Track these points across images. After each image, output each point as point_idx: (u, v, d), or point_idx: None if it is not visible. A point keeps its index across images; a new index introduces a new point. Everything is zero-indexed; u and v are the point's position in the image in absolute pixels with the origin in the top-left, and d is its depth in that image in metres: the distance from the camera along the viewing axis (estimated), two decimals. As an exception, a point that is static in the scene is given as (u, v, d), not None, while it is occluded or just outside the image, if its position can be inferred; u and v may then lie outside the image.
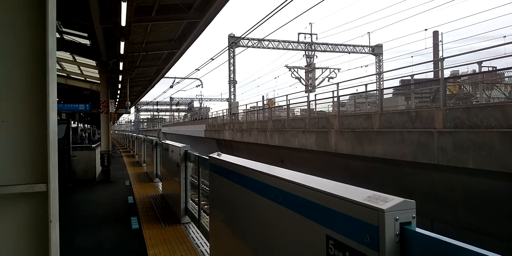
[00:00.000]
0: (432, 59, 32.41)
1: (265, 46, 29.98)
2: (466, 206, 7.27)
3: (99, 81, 11.64)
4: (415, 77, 12.35)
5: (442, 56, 28.56)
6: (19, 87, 1.49)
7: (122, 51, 8.57)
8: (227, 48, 27.91)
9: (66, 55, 11.21)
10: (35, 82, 1.50)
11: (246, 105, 26.54)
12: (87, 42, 10.00)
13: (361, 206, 1.26)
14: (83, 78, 15.33)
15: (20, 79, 1.49)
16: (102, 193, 8.12)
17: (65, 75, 14.56)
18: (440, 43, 34.58)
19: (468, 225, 7.21)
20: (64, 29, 9.07)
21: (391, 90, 17.40)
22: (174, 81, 32.67)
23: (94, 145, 11.16)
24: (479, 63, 9.02)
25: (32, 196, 1.48)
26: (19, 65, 1.50)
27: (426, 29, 28.53)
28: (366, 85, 12.62)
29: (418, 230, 1.17)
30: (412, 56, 30.74)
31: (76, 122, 21.14)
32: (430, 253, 1.10)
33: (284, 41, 30.34)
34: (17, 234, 1.50)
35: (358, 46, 32.68)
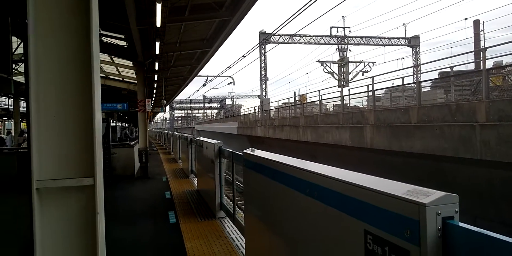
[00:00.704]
0: (473, 49, 30.79)
1: (296, 41, 29.72)
2: (510, 202, 6.88)
3: (136, 81, 12.06)
4: (455, 69, 11.79)
5: (484, 46, 27.03)
6: (67, 87, 1.59)
7: (157, 51, 8.81)
8: (258, 45, 27.96)
9: (105, 57, 11.70)
10: (82, 82, 1.59)
11: (277, 101, 26.54)
12: (124, 43, 10.38)
13: (401, 201, 1.24)
14: (120, 79, 15.94)
15: (69, 80, 1.59)
16: (140, 188, 8.43)
17: (104, 76, 15.20)
18: (481, 33, 32.73)
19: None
20: (102, 32, 9.46)
21: (429, 83, 16.73)
22: (207, 79, 33.21)
23: (133, 143, 11.59)
24: (526, 52, 8.47)
25: (82, 189, 1.57)
26: (67, 67, 1.59)
27: (466, 18, 27.09)
28: (402, 78, 12.21)
29: (461, 224, 1.13)
30: (451, 47, 29.29)
31: (114, 121, 22.03)
32: (474, 248, 1.07)
33: (316, 36, 29.93)
34: (68, 225, 1.61)
35: (394, 38, 31.63)
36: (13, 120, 20.77)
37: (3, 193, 7.78)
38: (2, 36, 7.08)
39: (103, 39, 10.05)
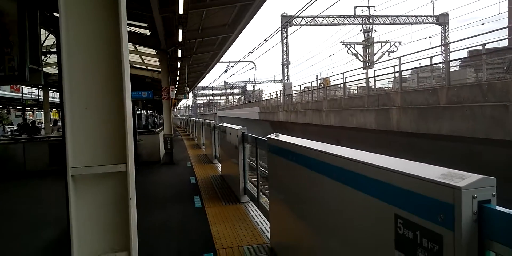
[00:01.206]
0: (507, 25, 29.10)
1: (319, 23, 29.06)
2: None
3: (159, 69, 12.18)
4: (487, 46, 11.22)
5: (519, 21, 25.46)
6: (98, 77, 1.62)
7: (180, 39, 8.83)
8: (280, 28, 27.52)
9: (129, 46, 11.83)
10: (113, 71, 1.62)
11: (300, 85, 26.24)
12: (147, 32, 10.46)
13: (434, 184, 1.21)
14: (144, 67, 16.15)
15: (100, 69, 1.62)
16: (166, 174, 8.64)
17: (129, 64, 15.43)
18: (516, 7, 30.82)
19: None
20: (127, 21, 9.55)
21: (458, 62, 16.05)
22: (228, 65, 33.17)
23: (158, 130, 11.82)
24: None
25: (114, 175, 1.63)
26: (98, 57, 1.63)
27: (499, -8, 25.53)
28: (431, 57, 11.74)
29: (498, 208, 1.10)
30: (483, 24, 27.81)
31: (139, 109, 22.49)
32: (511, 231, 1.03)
33: (339, 16, 29.13)
34: (102, 210, 1.67)
35: (421, 16, 30.37)
36: (43, 110, 21.57)
37: (37, 179, 8.17)
38: (32, 29, 7.26)
39: (128, 28, 10.16)
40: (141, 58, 14.42)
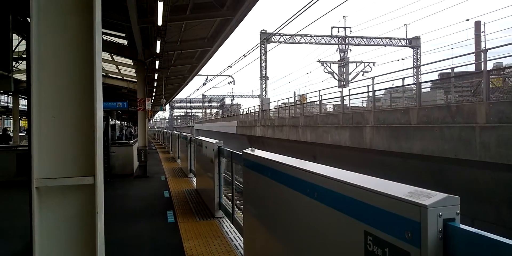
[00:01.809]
0: (474, 50, 30.77)
1: (297, 41, 29.70)
2: (510, 204, 6.89)
3: (136, 80, 12.05)
4: (456, 70, 11.78)
5: (485, 47, 27.01)
6: (69, 85, 1.58)
7: (158, 50, 8.80)
8: (259, 44, 27.94)
9: (105, 55, 11.68)
10: (84, 81, 1.59)
11: (277, 101, 26.52)
12: (124, 42, 10.37)
13: (402, 202, 1.24)
14: (120, 77, 15.93)
15: (71, 78, 1.58)
16: (139, 187, 8.42)
17: (104, 74, 15.19)
18: (482, 34, 32.72)
19: (514, 225, 6.83)
20: (103, 30, 9.45)
21: (429, 84, 16.73)
22: (207, 78, 33.18)
23: (132, 142, 11.58)
24: (527, 54, 8.47)
25: (81, 188, 1.57)
26: (69, 65, 1.59)
27: (467, 20, 27.13)
28: (403, 79, 12.21)
29: (462, 226, 1.13)
30: (452, 48, 29.35)
31: (114, 119, 22.00)
32: (475, 250, 1.06)
33: (317, 36, 29.90)
34: (67, 224, 1.60)
35: (394, 38, 31.62)
36: (12, 118, 20.75)
37: (2, 190, 7.77)
38: (3, 34, 7.06)
39: (104, 37, 10.04)
40: (118, 68, 14.24)
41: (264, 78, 29.98)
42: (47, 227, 1.60)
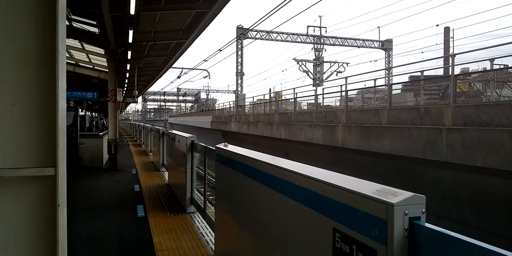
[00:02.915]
0: (442, 55, 31.95)
1: (273, 38, 29.79)
2: (473, 204, 7.23)
3: (107, 70, 11.67)
4: (425, 73, 12.19)
5: (453, 52, 28.13)
6: (29, 72, 1.49)
7: (130, 40, 8.55)
8: (235, 39, 27.78)
9: (75, 43, 11.23)
10: (45, 67, 1.50)
11: (253, 97, 26.54)
12: (96, 30, 10.00)
13: (369, 200, 1.25)
14: (91, 66, 15.39)
15: (30, 64, 1.49)
16: (108, 180, 8.20)
17: (74, 63, 14.62)
18: (451, 39, 34.05)
19: (474, 223, 7.17)
20: (73, 17, 9.07)
21: (400, 86, 17.24)
22: (181, 71, 32.69)
23: (102, 133, 11.24)
24: (491, 60, 8.87)
25: (41, 179, 1.49)
26: (30, 50, 1.49)
27: (437, 25, 28.18)
28: (375, 80, 12.49)
29: (427, 225, 1.15)
30: (422, 52, 30.39)
31: (84, 110, 21.31)
32: (439, 248, 1.09)
33: (293, 34, 30.11)
34: (25, 217, 1.52)
35: (368, 40, 32.34)
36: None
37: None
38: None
39: (74, 25, 9.65)
40: (88, 57, 13.74)
41: (240, 74, 29.89)
42: (4, 219, 1.51)
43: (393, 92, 11.35)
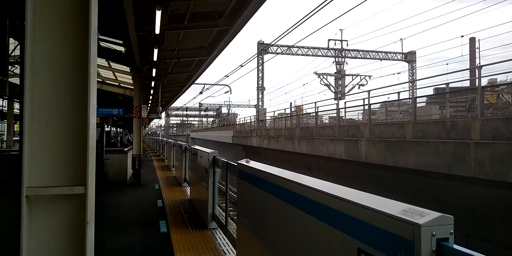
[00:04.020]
0: (468, 66, 31.23)
1: (294, 52, 29.98)
2: (505, 222, 6.88)
3: (132, 87, 12.04)
4: (451, 85, 11.91)
5: (479, 63, 27.42)
6: (62, 92, 1.57)
7: (155, 58, 8.83)
8: (256, 55, 28.14)
9: (102, 62, 11.70)
10: (78, 87, 1.57)
11: (273, 111, 26.58)
12: (122, 49, 10.40)
13: (396, 220, 1.22)
14: (117, 84, 15.92)
15: (64, 84, 1.57)
16: (132, 196, 8.32)
17: (101, 80, 15.17)
18: (477, 50, 33.25)
19: (507, 242, 6.81)
20: (100, 36, 9.48)
21: (424, 99, 16.89)
22: (203, 87, 33.23)
23: (126, 149, 11.50)
24: (520, 71, 8.59)
25: (71, 197, 1.54)
26: (63, 71, 1.58)
27: (462, 36, 27.60)
28: (398, 93, 12.30)
29: (455, 246, 1.12)
30: (447, 64, 29.77)
31: (109, 126, 21.91)
32: (469, 271, 1.05)
33: (314, 48, 30.20)
34: (56, 234, 1.57)
35: (390, 52, 32.01)
36: (6, 122, 20.57)
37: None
38: (0, 37, 7.05)
39: (101, 44, 10.07)
40: (114, 75, 14.24)
41: (260, 88, 30.11)
42: (35, 236, 1.56)
43: (418, 105, 11.12)
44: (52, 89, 1.58)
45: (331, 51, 30.38)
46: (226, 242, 4.52)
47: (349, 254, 1.47)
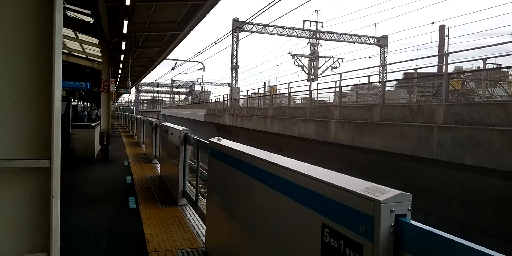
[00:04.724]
0: (437, 53, 32.15)
1: (269, 32, 29.67)
2: (461, 202, 7.36)
3: (100, 60, 11.54)
4: (419, 71, 12.27)
5: (448, 50, 28.31)
6: (25, 63, 1.49)
7: (125, 31, 8.47)
8: (231, 32, 27.60)
9: (69, 32, 11.08)
10: (42, 58, 1.50)
11: (247, 91, 26.53)
12: (90, 19, 9.87)
13: (358, 197, 1.29)
14: (84, 56, 15.21)
15: (27, 55, 1.49)
16: (100, 171, 8.18)
17: (67, 52, 14.42)
18: (446, 38, 34.27)
19: (462, 220, 7.31)
20: (67, 5, 8.93)
21: (393, 83, 17.33)
22: (176, 63, 32.46)
23: (94, 124, 11.17)
24: (484, 59, 8.97)
25: (36, 171, 1.50)
26: (26, 41, 1.49)
27: (433, 23, 28.22)
28: (369, 76, 12.54)
29: (412, 222, 1.19)
30: (417, 49, 30.47)
31: (76, 100, 21.10)
32: (423, 245, 1.13)
33: (289, 28, 30.00)
34: (20, 208, 1.53)
35: (363, 36, 32.34)
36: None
37: None
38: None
39: (68, 13, 9.50)
40: (82, 47, 13.56)
41: (235, 67, 29.78)
42: (0, 209, 1.52)
43: (387, 89, 11.43)
44: (13, 58, 1.49)
45: (306, 32, 30.30)
46: (196, 218, 4.58)
47: (314, 229, 1.53)
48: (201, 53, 21.39)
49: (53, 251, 1.55)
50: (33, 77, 1.51)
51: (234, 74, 29.72)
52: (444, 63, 8.66)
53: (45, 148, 1.50)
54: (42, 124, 1.51)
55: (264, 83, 26.93)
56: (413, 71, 11.77)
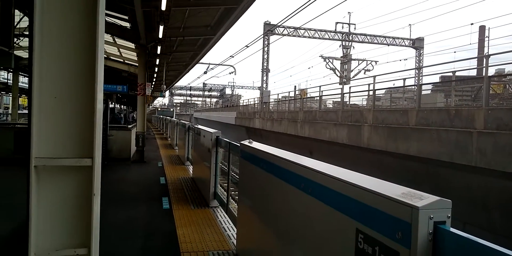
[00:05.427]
0: (476, 55, 30.73)
1: (300, 34, 29.53)
2: (503, 211, 6.96)
3: (137, 64, 11.97)
4: (457, 73, 11.78)
5: (488, 52, 26.97)
6: (71, 66, 1.58)
7: (160, 35, 8.73)
8: (262, 35, 27.74)
9: (107, 37, 11.57)
10: (86, 61, 1.58)
11: (277, 94, 26.46)
12: (127, 24, 10.27)
13: (395, 202, 1.25)
14: (121, 60, 15.82)
15: (73, 58, 1.58)
16: (136, 172, 8.44)
17: (105, 56, 15.06)
18: (486, 39, 32.67)
19: (503, 231, 6.91)
20: (106, 11, 9.34)
21: (430, 86, 16.73)
22: (208, 67, 33.02)
23: (130, 126, 11.56)
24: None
25: (80, 169, 1.58)
26: (72, 45, 1.58)
27: (472, 24, 26.95)
28: (404, 79, 12.19)
29: (452, 230, 1.15)
30: (455, 51, 29.20)
31: (113, 103, 21.94)
32: (463, 253, 1.08)
33: (321, 30, 29.72)
34: (64, 204, 1.62)
35: (398, 38, 31.48)
36: (11, 95, 20.64)
37: (1, 167, 7.78)
38: (5, 9, 6.97)
39: (107, 19, 9.94)
40: (119, 51, 14.13)
41: (265, 70, 29.86)
42: (43, 206, 1.61)
43: (423, 92, 11.04)
44: (60, 62, 1.58)
45: (338, 34, 29.89)
46: (227, 220, 4.62)
47: (348, 234, 1.51)
48: (233, 56, 21.68)
49: (93, 248, 1.62)
50: (78, 80, 1.60)
51: (264, 78, 29.81)
52: (484, 65, 8.26)
53: (87, 147, 1.58)
54: (85, 125, 1.59)
55: (295, 86, 26.79)
56: (450, 74, 11.31)
